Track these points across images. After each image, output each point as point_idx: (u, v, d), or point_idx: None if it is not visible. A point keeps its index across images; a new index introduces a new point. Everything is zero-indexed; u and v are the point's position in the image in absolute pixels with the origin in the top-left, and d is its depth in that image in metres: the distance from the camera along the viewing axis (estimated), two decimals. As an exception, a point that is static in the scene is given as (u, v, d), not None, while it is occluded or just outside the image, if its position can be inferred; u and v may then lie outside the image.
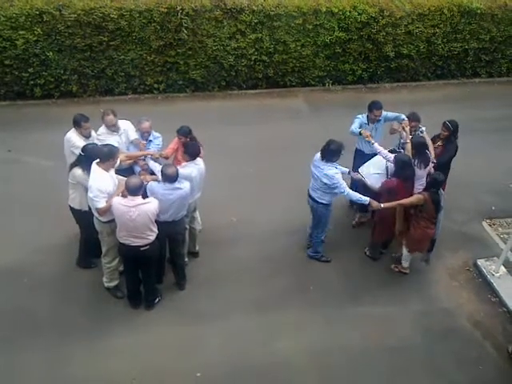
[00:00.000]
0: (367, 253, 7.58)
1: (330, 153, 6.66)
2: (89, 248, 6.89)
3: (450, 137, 7.43)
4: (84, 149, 6.25)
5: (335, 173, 6.67)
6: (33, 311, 6.44)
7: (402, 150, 7.39)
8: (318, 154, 6.83)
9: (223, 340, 6.29)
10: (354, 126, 7.49)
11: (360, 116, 7.63)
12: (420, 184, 7.02)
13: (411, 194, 6.88)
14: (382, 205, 6.77)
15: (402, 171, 6.78)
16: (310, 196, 7.06)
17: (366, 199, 6.75)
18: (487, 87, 12.71)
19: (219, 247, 7.50)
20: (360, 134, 7.40)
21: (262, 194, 8.50)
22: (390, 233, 7.20)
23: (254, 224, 7.94)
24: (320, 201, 6.93)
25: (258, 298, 6.84)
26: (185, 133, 6.82)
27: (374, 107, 7.48)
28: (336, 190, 6.75)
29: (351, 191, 6.81)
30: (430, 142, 7.39)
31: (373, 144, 7.28)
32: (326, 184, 6.71)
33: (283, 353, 6.20)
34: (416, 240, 6.96)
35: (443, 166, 7.39)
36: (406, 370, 6.15)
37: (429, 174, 6.99)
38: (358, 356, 6.24)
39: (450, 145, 7.46)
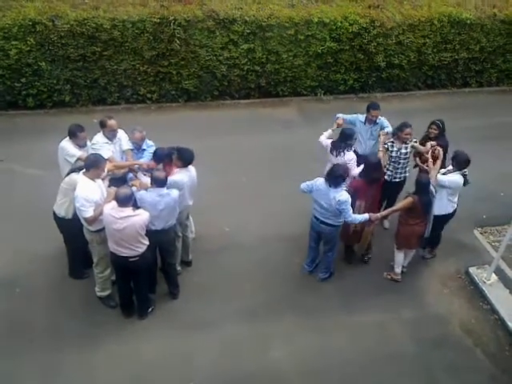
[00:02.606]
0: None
1: (340, 178, 6.52)
2: (78, 258, 6.84)
3: (439, 135, 7.61)
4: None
5: (347, 198, 6.50)
6: (25, 321, 6.41)
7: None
8: (321, 181, 6.65)
9: (217, 349, 6.28)
10: (342, 114, 7.95)
11: (360, 115, 8.01)
12: None
13: (376, 198, 7.09)
14: (379, 214, 6.89)
15: (368, 173, 6.84)
16: (324, 224, 6.80)
17: (366, 216, 6.68)
18: (477, 96, 12.81)
19: (212, 256, 7.50)
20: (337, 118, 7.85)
21: (254, 204, 8.51)
22: (345, 235, 7.22)
23: (246, 233, 7.95)
24: (336, 224, 6.81)
25: (251, 306, 6.85)
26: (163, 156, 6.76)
27: (371, 107, 7.87)
28: (343, 214, 6.57)
29: (355, 215, 6.63)
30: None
31: (333, 131, 7.68)
32: (338, 209, 6.55)
33: (277, 362, 6.21)
34: (404, 237, 7.06)
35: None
36: (398, 377, 6.17)
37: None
38: (351, 364, 6.25)
39: (443, 141, 7.56)
